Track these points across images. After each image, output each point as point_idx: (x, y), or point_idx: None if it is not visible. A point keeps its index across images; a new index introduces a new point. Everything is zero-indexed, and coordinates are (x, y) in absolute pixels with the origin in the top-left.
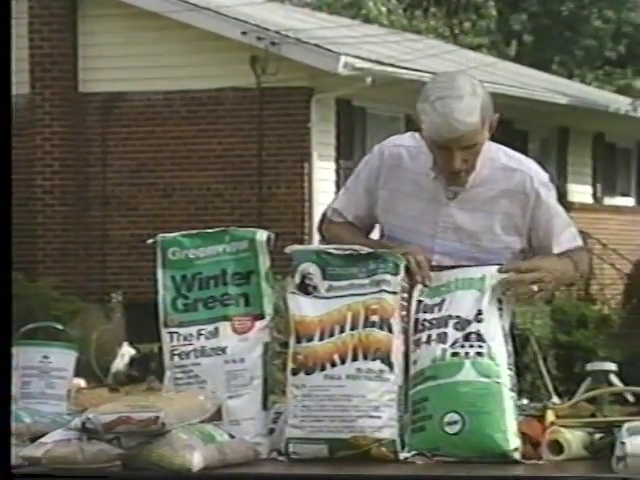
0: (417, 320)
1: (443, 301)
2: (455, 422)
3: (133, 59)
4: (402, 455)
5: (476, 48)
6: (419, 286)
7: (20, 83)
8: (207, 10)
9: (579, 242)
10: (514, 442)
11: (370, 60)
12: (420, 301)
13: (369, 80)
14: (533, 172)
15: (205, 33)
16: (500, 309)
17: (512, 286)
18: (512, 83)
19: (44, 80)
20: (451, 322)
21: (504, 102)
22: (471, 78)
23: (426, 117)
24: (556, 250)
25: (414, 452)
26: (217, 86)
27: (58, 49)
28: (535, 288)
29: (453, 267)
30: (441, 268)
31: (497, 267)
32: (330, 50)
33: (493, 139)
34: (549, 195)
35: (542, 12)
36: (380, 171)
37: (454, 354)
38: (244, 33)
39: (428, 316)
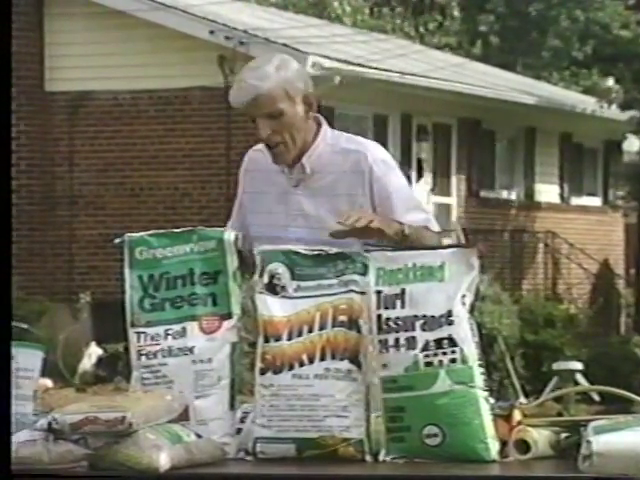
0: (380, 317)
1: (403, 292)
2: (435, 435)
3: (100, 58)
4: (382, 457)
5: (443, 48)
6: (374, 271)
7: None
8: (174, 9)
9: (431, 226)
10: (494, 448)
11: (338, 60)
12: (379, 292)
13: (337, 80)
14: (368, 151)
15: (172, 32)
16: (463, 296)
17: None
18: (480, 83)
19: None
20: (418, 323)
21: (471, 102)
22: (283, 58)
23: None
24: None
25: (394, 456)
26: (185, 85)
27: (24, 48)
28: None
29: (410, 248)
30: (394, 248)
31: (453, 251)
32: (298, 50)
33: (459, 138)
34: (387, 172)
35: (509, 13)
36: (243, 177)
37: (428, 364)
38: (212, 32)
39: (392, 314)
